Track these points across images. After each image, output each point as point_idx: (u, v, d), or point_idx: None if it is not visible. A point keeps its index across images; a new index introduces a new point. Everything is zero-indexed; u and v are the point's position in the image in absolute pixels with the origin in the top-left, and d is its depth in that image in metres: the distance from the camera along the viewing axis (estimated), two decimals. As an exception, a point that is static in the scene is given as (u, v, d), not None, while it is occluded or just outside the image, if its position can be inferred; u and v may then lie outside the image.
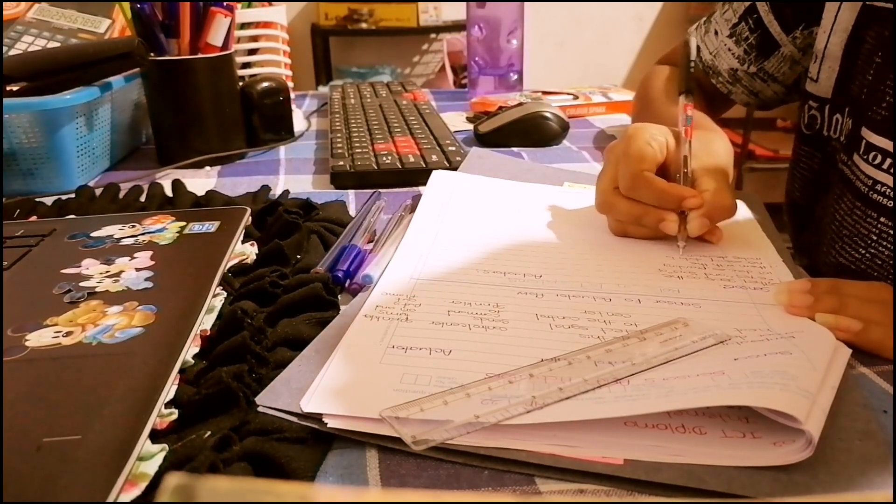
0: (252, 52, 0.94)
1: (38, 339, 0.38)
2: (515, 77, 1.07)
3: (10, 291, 0.44)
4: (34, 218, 0.60)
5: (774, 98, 0.76)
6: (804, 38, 0.68)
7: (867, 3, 0.58)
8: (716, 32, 0.76)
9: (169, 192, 0.66)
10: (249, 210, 0.56)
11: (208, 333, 0.41)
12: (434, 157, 0.72)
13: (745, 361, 0.35)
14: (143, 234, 0.53)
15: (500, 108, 0.88)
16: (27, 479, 0.28)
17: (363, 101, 1.01)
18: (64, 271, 0.47)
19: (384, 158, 0.72)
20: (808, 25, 0.67)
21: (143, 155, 0.85)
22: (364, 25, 2.81)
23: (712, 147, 0.56)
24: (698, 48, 0.80)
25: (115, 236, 0.52)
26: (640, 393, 0.34)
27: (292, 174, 0.74)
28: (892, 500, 0.17)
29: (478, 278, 0.47)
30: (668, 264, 0.50)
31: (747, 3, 0.72)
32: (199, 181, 0.72)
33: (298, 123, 0.89)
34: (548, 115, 0.83)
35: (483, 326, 0.41)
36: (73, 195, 0.66)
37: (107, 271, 0.47)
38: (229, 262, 0.49)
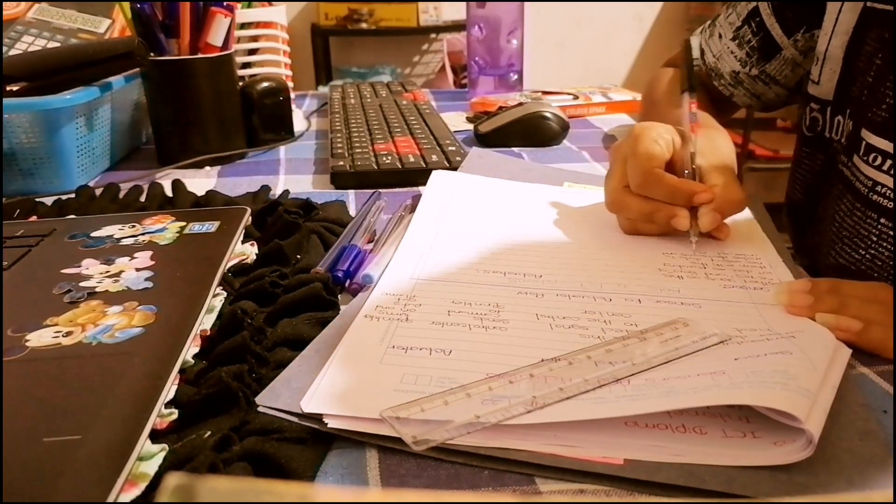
0: (252, 52, 0.94)
1: (38, 339, 0.38)
2: (515, 77, 1.07)
3: (10, 291, 0.44)
4: (34, 218, 0.60)
5: (776, 100, 0.76)
6: (805, 41, 0.68)
7: (868, 4, 0.58)
8: (720, 36, 0.76)
9: (169, 192, 0.66)
10: (249, 210, 0.56)
11: (208, 333, 0.41)
12: (434, 157, 0.72)
13: (745, 361, 0.35)
14: (143, 234, 0.53)
15: (500, 108, 0.88)
16: (27, 479, 0.28)
17: (363, 101, 1.01)
18: (64, 271, 0.47)
19: (384, 158, 0.72)
20: (810, 28, 0.67)
21: (143, 155, 0.85)
22: (364, 25, 2.81)
23: (717, 143, 0.56)
24: (702, 50, 0.80)
25: (115, 236, 0.52)
26: (640, 393, 0.34)
27: (292, 174, 0.74)
28: (892, 500, 0.17)
29: (478, 278, 0.47)
30: (668, 264, 0.50)
31: (751, 7, 0.72)
32: (199, 181, 0.72)
33: (298, 123, 0.89)
34: (548, 115, 0.83)
35: (483, 326, 0.41)
36: (73, 195, 0.66)
37: (107, 271, 0.46)
38: (229, 262, 0.49)
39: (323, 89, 1.28)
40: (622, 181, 0.52)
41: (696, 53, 0.59)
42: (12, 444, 0.29)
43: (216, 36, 0.74)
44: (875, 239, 0.55)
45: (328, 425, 0.33)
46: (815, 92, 0.65)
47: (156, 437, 0.32)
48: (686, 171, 0.52)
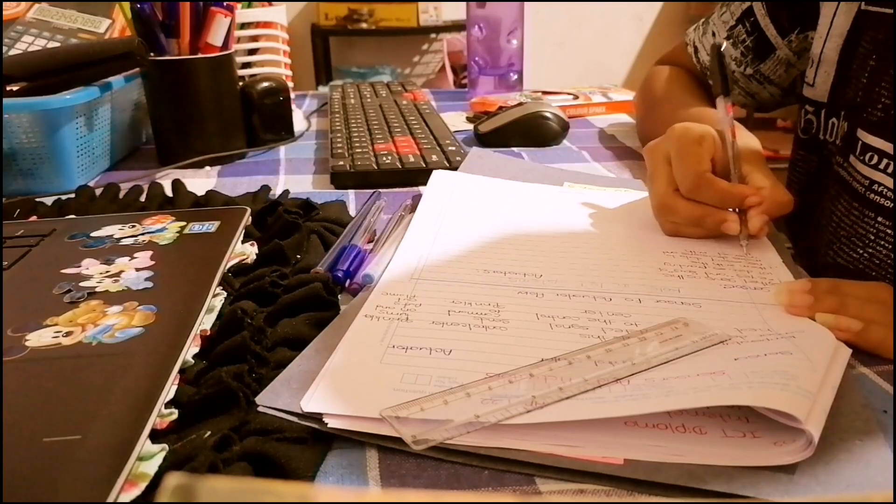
0: (252, 52, 0.94)
1: (38, 339, 0.38)
2: (515, 77, 1.07)
3: (10, 291, 0.44)
4: (34, 218, 0.60)
5: (771, 100, 0.76)
6: (799, 41, 0.69)
7: (862, 8, 0.59)
8: (713, 34, 0.76)
9: (169, 192, 0.66)
10: (249, 210, 0.56)
11: (208, 333, 0.41)
12: (434, 157, 0.72)
13: (745, 361, 0.35)
14: (143, 234, 0.53)
15: (500, 108, 0.88)
16: (27, 479, 0.28)
17: (363, 101, 1.01)
18: (64, 271, 0.47)
19: (384, 158, 0.72)
20: (804, 29, 0.68)
21: (143, 155, 0.85)
22: (364, 25, 2.81)
23: (751, 145, 0.56)
24: (696, 48, 0.80)
25: (115, 236, 0.52)
26: (640, 393, 0.34)
27: (292, 174, 0.74)
28: (892, 500, 0.17)
29: (478, 278, 0.47)
30: (668, 263, 0.50)
31: (745, 6, 0.72)
32: (199, 181, 0.72)
33: (298, 123, 0.89)
34: (548, 115, 0.83)
35: (483, 326, 0.41)
36: (73, 195, 0.66)
37: (107, 271, 0.46)
38: (229, 262, 0.49)
39: (323, 89, 1.28)
40: (671, 184, 0.52)
41: (727, 57, 0.59)
42: (12, 444, 0.29)
43: (216, 36, 0.74)
44: (873, 237, 0.55)
45: (328, 425, 0.33)
46: (810, 94, 0.66)
47: (156, 437, 0.32)
48: (730, 175, 0.52)
